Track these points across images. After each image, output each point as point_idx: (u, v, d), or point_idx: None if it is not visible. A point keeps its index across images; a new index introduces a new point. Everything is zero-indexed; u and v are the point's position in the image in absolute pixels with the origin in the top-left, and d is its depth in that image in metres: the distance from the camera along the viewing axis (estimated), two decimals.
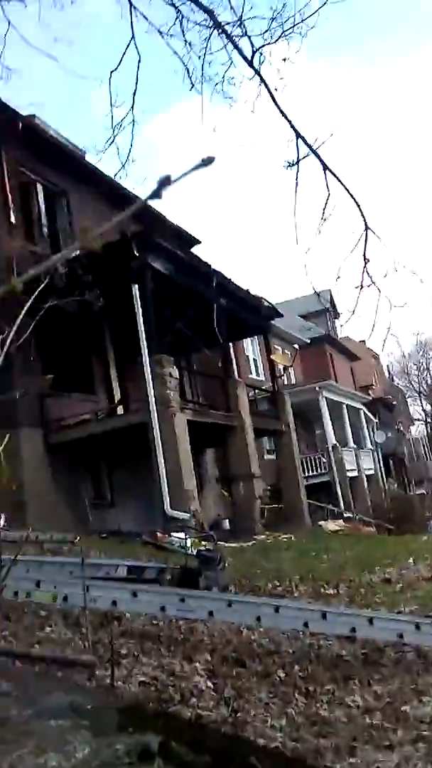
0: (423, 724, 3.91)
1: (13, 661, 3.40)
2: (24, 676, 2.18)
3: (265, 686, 4.47)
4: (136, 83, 9.23)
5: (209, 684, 4.30)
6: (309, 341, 33.12)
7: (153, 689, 3.96)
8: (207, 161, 1.02)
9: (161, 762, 1.04)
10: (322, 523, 18.79)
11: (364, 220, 8.62)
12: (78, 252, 12.83)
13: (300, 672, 4.85)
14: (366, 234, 8.60)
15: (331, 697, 4.42)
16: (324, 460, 25.18)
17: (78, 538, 9.64)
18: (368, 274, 8.60)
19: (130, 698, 3.32)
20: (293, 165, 8.58)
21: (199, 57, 9.04)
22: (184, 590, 5.44)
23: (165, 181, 0.97)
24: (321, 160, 8.51)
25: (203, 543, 10.10)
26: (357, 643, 5.52)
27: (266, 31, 8.58)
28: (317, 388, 25.69)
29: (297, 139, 8.46)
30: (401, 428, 45.71)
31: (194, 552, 8.24)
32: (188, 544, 9.02)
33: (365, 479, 27.98)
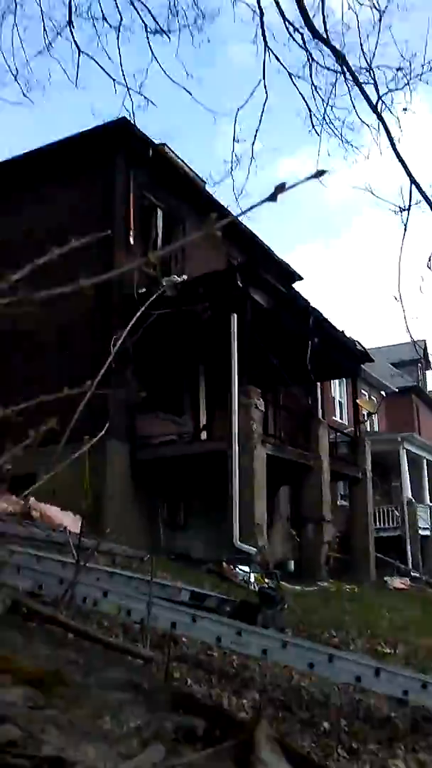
0: None
1: (75, 636, 3.56)
2: (89, 649, 2.40)
3: (308, 735, 4.51)
4: (260, 121, 9.65)
5: None
6: (397, 390, 32.59)
7: None
8: (319, 173, 1.19)
9: (202, 745, 1.21)
10: (387, 578, 18.36)
11: None
12: (184, 278, 13.36)
13: (346, 727, 4.86)
14: None
15: (374, 758, 4.41)
16: (397, 513, 24.61)
17: (148, 556, 9.88)
18: None
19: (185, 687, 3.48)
20: (404, 210, 8.68)
21: (324, 101, 9.35)
22: (242, 624, 5.55)
23: (280, 188, 1.16)
24: None
25: (266, 580, 10.16)
26: (408, 706, 5.47)
27: (391, 80, 8.81)
28: (399, 439, 25.22)
29: (411, 185, 8.56)
30: None
31: (256, 587, 8.33)
32: (251, 579, 9.11)
33: None
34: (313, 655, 5.32)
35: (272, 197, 1.14)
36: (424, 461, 27.14)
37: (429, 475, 27.58)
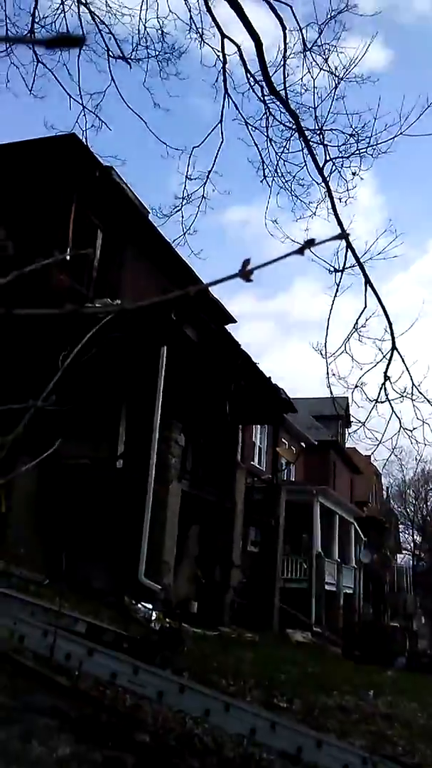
0: None
1: None
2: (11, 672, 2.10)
3: None
4: (214, 163, 9.78)
5: None
6: (316, 443, 32.96)
7: None
8: (343, 235, 1.13)
9: None
10: (289, 631, 18.16)
11: (393, 339, 8.78)
12: (118, 302, 13.12)
13: None
14: (392, 353, 8.76)
15: None
16: (305, 566, 24.57)
17: (47, 581, 9.38)
18: (385, 391, 8.70)
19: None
20: (338, 271, 8.85)
21: (277, 153, 9.49)
22: (139, 662, 5.23)
23: (309, 242, 1.03)
24: (365, 273, 8.76)
25: (168, 620, 9.79)
26: (300, 765, 5.23)
27: (342, 144, 9.02)
28: (314, 492, 25.38)
29: (347, 249, 8.74)
30: (388, 553, 44.73)
31: (157, 626, 7.99)
32: (153, 617, 8.75)
33: (342, 596, 27.20)
34: (210, 702, 5.07)
35: (244, 275, 0.99)
36: (336, 517, 27.36)
37: (339, 531, 27.81)
